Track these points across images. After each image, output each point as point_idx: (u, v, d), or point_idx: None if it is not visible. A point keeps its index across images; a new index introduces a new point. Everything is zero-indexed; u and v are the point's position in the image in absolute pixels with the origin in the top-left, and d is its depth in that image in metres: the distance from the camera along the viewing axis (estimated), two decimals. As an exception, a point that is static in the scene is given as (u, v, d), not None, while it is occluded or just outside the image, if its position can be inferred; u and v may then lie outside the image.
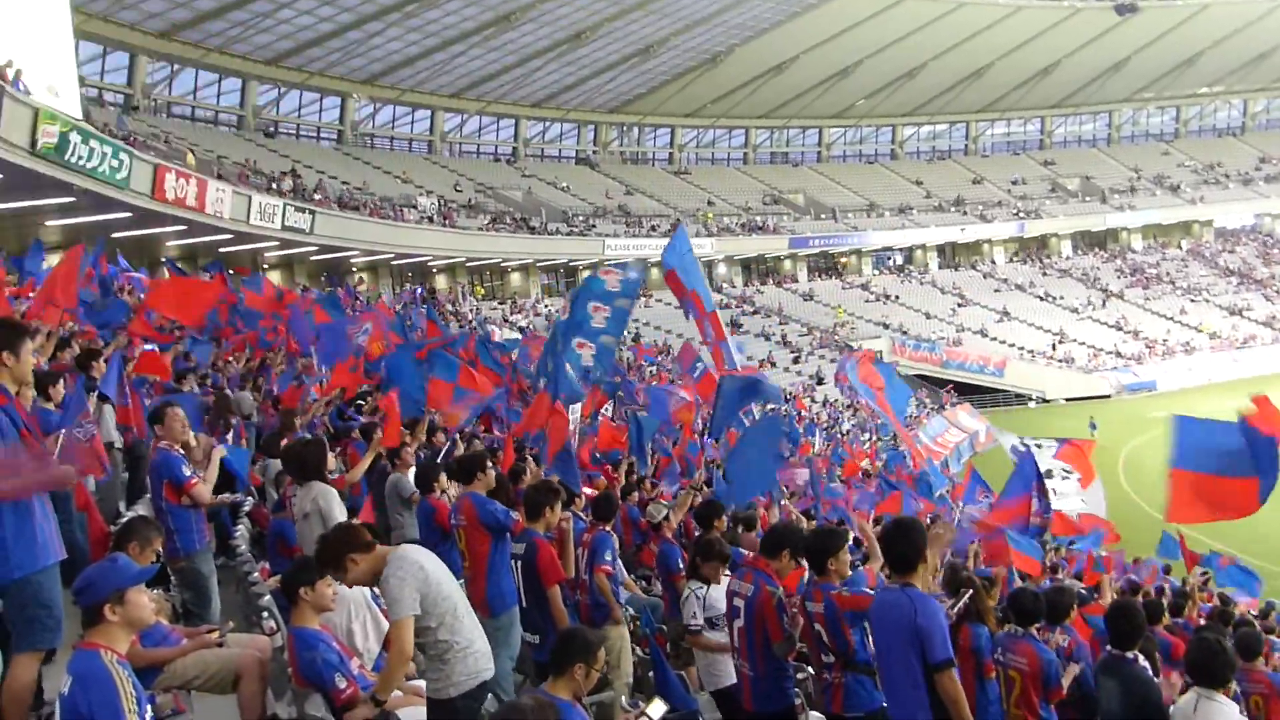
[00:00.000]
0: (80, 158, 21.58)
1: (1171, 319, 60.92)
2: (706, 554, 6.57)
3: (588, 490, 10.13)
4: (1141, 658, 5.96)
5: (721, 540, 7.05)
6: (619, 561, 8.16)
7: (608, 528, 7.86)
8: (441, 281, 52.07)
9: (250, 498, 10.24)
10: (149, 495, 7.83)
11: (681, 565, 7.91)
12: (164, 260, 31.18)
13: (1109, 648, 5.93)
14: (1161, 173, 75.01)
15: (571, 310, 11.19)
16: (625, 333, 14.30)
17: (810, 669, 6.77)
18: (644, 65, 60.05)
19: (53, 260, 18.90)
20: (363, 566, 4.81)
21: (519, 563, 6.84)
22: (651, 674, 6.82)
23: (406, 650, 4.73)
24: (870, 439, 40.54)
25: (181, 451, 7.16)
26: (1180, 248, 71.93)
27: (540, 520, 6.89)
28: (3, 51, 20.84)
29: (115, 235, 24.87)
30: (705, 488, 12.52)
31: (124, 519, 7.49)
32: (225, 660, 5.19)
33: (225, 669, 5.18)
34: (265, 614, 6.24)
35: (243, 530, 8.84)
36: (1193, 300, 63.26)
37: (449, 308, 45.37)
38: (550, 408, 10.00)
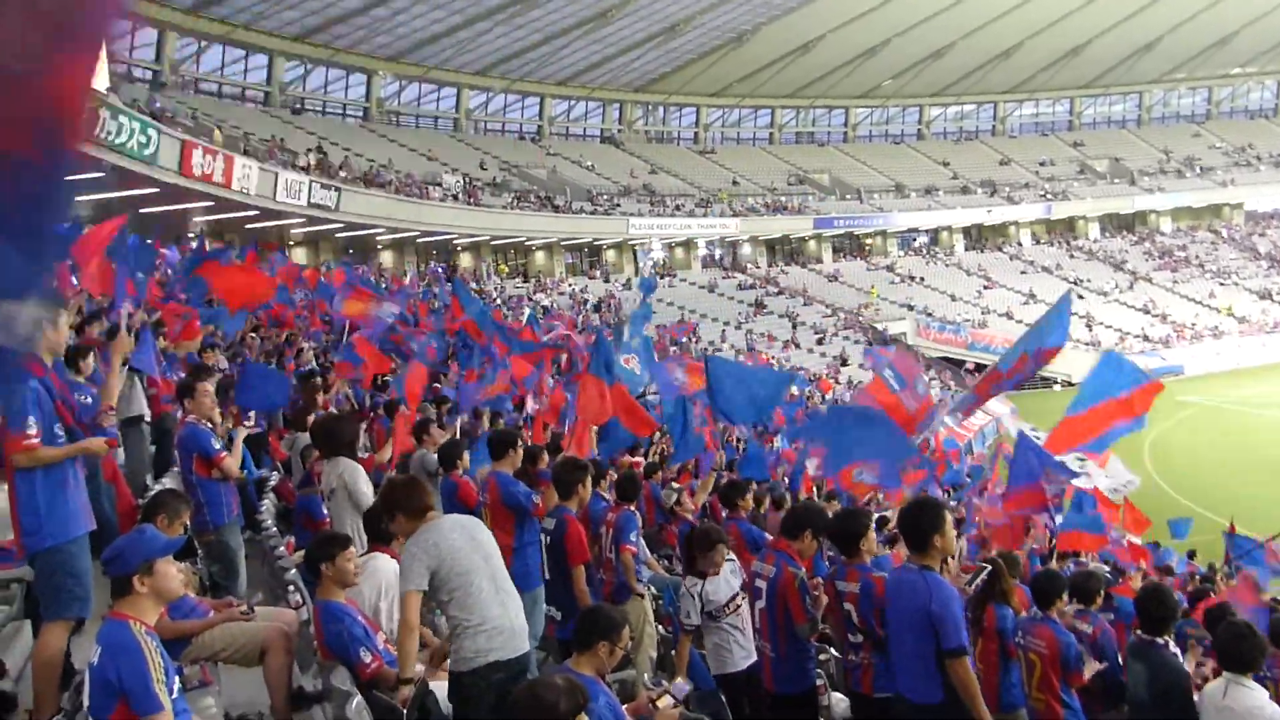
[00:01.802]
0: (109, 133, 21.75)
1: (1200, 303, 60.30)
2: (701, 545, 6.49)
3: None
4: (1172, 643, 5.92)
5: (715, 528, 7.01)
6: (642, 541, 8.17)
7: (632, 507, 7.87)
8: (466, 260, 52.15)
9: (276, 472, 10.33)
10: (176, 468, 7.89)
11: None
12: (193, 234, 31.36)
13: (1139, 632, 5.89)
14: (1192, 154, 74.06)
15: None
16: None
17: (833, 650, 6.77)
18: (669, 44, 59.77)
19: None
20: (404, 527, 4.91)
21: (547, 538, 6.87)
22: (673, 652, 6.84)
23: (411, 621, 4.79)
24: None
25: (210, 426, 7.21)
26: (1211, 230, 71.10)
27: (574, 498, 6.93)
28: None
29: (143, 210, 25.00)
30: (728, 471, 12.52)
31: (152, 492, 7.57)
32: (252, 633, 5.22)
33: (252, 642, 5.21)
34: (291, 588, 6.29)
35: (269, 504, 8.91)
36: (1222, 284, 62.53)
37: (473, 285, 45.46)
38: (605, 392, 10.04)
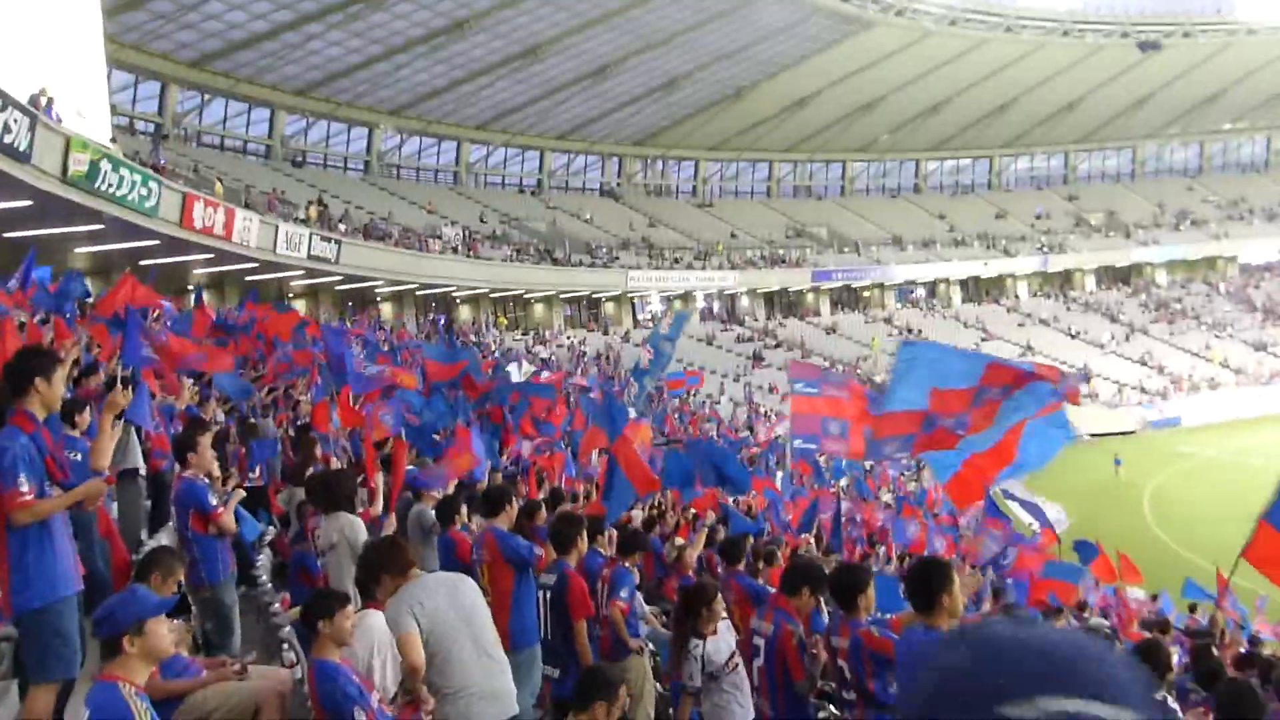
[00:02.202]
0: (110, 185, 21.84)
1: (1196, 354, 60.46)
2: (700, 601, 6.31)
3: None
4: (1170, 699, 5.86)
5: (705, 586, 6.92)
6: (638, 596, 8.08)
7: (627, 563, 7.78)
8: (465, 312, 52.29)
9: (273, 527, 10.25)
10: (172, 523, 7.84)
11: None
12: (191, 288, 31.46)
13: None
14: (1185, 208, 74.72)
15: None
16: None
17: (832, 707, 6.69)
18: (668, 98, 60.39)
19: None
20: (389, 588, 4.91)
21: (548, 593, 6.80)
22: (672, 710, 6.75)
23: (417, 660, 4.76)
24: (897, 471, 40.18)
25: (206, 480, 7.17)
26: (1206, 283, 71.49)
27: (572, 552, 6.87)
28: (37, 79, 21.14)
29: (143, 263, 25.09)
30: (721, 525, 12.44)
31: (146, 547, 7.51)
32: (246, 692, 5.16)
33: (245, 701, 5.14)
34: (285, 645, 6.22)
35: (264, 560, 8.83)
36: (1217, 336, 62.77)
37: (473, 338, 45.52)
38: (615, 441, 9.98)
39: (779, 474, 18.76)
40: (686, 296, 60.64)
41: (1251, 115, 75.84)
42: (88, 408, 7.82)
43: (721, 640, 6.26)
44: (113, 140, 26.97)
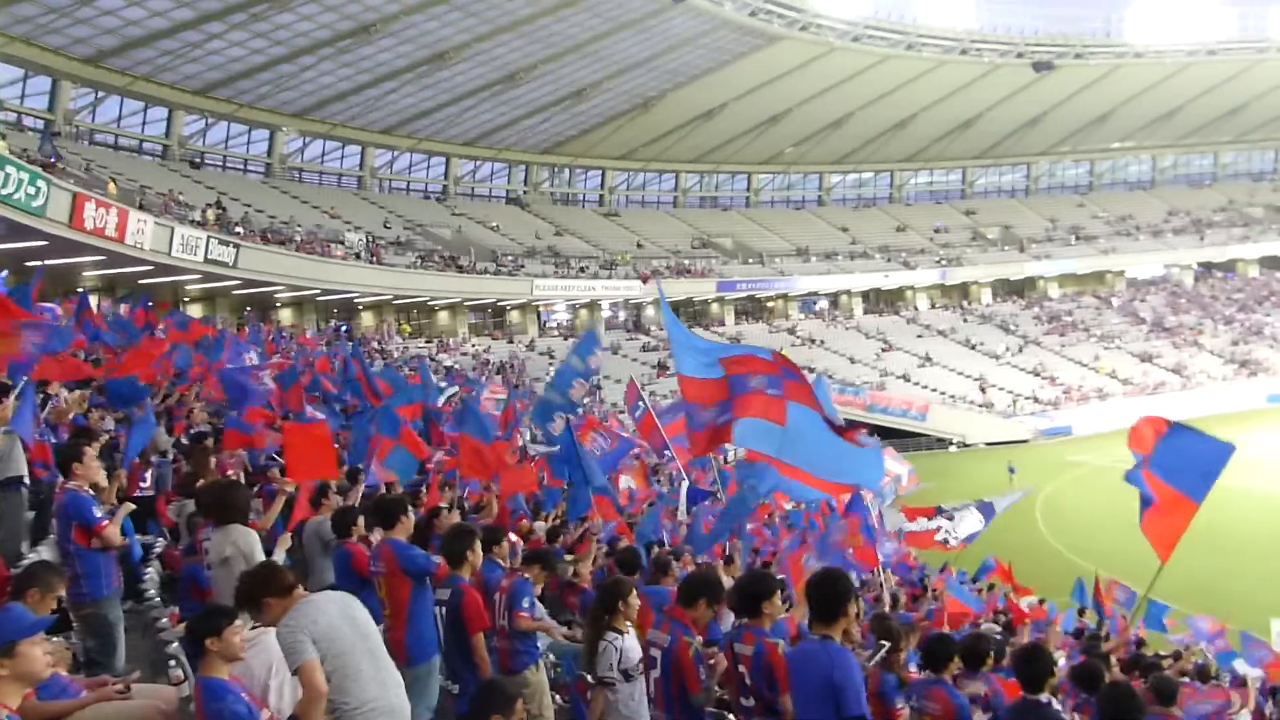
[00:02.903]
0: (-5, 184, 21.09)
1: (1086, 365, 62.40)
2: (614, 597, 6.42)
3: (513, 536, 9.98)
4: (1055, 701, 6.00)
5: (620, 581, 6.92)
6: (538, 606, 8.02)
7: (526, 573, 7.71)
8: (368, 318, 51.58)
9: (162, 539, 9.96)
10: (53, 536, 7.57)
11: None
12: (79, 290, 30.46)
13: (1023, 693, 5.97)
14: (1077, 224, 77.45)
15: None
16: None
17: (731, 716, 6.71)
18: (577, 107, 60.41)
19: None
20: (277, 611, 4.77)
21: (444, 609, 6.72)
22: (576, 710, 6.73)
23: (320, 687, 4.63)
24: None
25: (91, 492, 6.94)
26: (1095, 296, 73.97)
27: (465, 565, 6.79)
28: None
29: (29, 264, 24.23)
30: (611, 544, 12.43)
31: (27, 560, 7.24)
32: (128, 713, 5.00)
33: (128, 721, 4.99)
34: (172, 662, 6.05)
35: (152, 574, 8.58)
36: (1106, 348, 64.86)
37: (375, 345, 44.91)
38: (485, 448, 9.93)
39: (683, 484, 18.77)
40: (592, 305, 60.69)
41: (1138, 135, 78.94)
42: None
43: (634, 641, 6.25)
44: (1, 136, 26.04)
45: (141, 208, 31.81)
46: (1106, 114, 73.61)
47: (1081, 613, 18.30)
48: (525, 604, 7.27)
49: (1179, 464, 8.31)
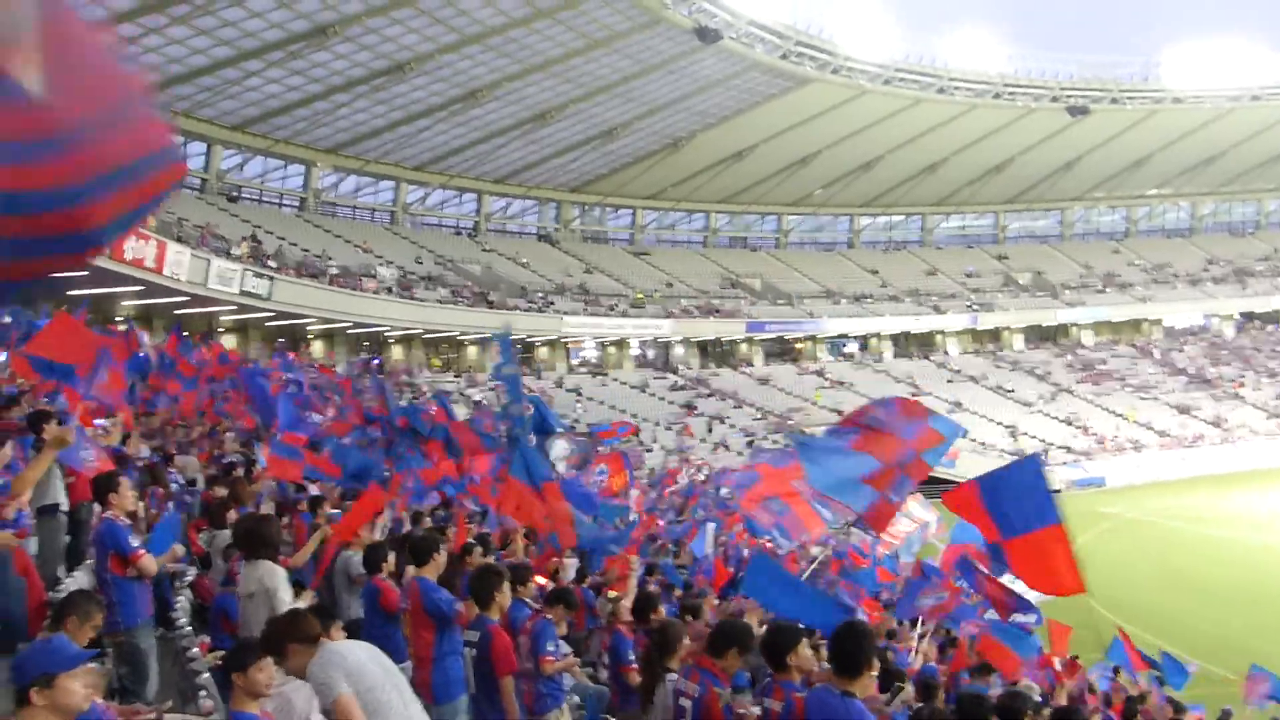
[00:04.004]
0: (37, 215, 21.39)
1: (1120, 416, 61.73)
2: (668, 646, 6.30)
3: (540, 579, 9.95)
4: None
5: (674, 624, 6.92)
6: (561, 648, 7.97)
7: (549, 615, 7.66)
8: (398, 352, 51.87)
9: (193, 568, 10.00)
10: (90, 563, 7.63)
11: (633, 658, 7.70)
12: (120, 320, 30.86)
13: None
14: (1112, 270, 76.61)
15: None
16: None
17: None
18: (607, 146, 60.81)
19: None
20: (302, 659, 4.81)
21: (473, 650, 6.70)
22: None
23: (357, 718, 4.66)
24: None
25: (128, 521, 7.00)
26: (1131, 345, 73.21)
27: (493, 606, 6.78)
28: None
29: (71, 293, 24.54)
30: (649, 574, 12.37)
31: (64, 586, 7.30)
32: (160, 743, 5.02)
33: (159, 752, 5.01)
34: (203, 692, 6.06)
35: (184, 602, 8.62)
36: (1142, 398, 64.17)
37: (404, 378, 45.14)
38: (535, 493, 9.85)
39: (709, 526, 18.66)
40: (621, 343, 60.79)
41: (1175, 182, 78.16)
42: (8, 441, 7.62)
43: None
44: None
45: (179, 240, 32.28)
46: (1143, 159, 72.95)
47: (1116, 672, 17.84)
48: (550, 647, 7.25)
49: (1011, 506, 7.64)
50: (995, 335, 72.72)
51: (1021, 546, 7.61)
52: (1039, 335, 73.72)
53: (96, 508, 7.51)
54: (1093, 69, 65.77)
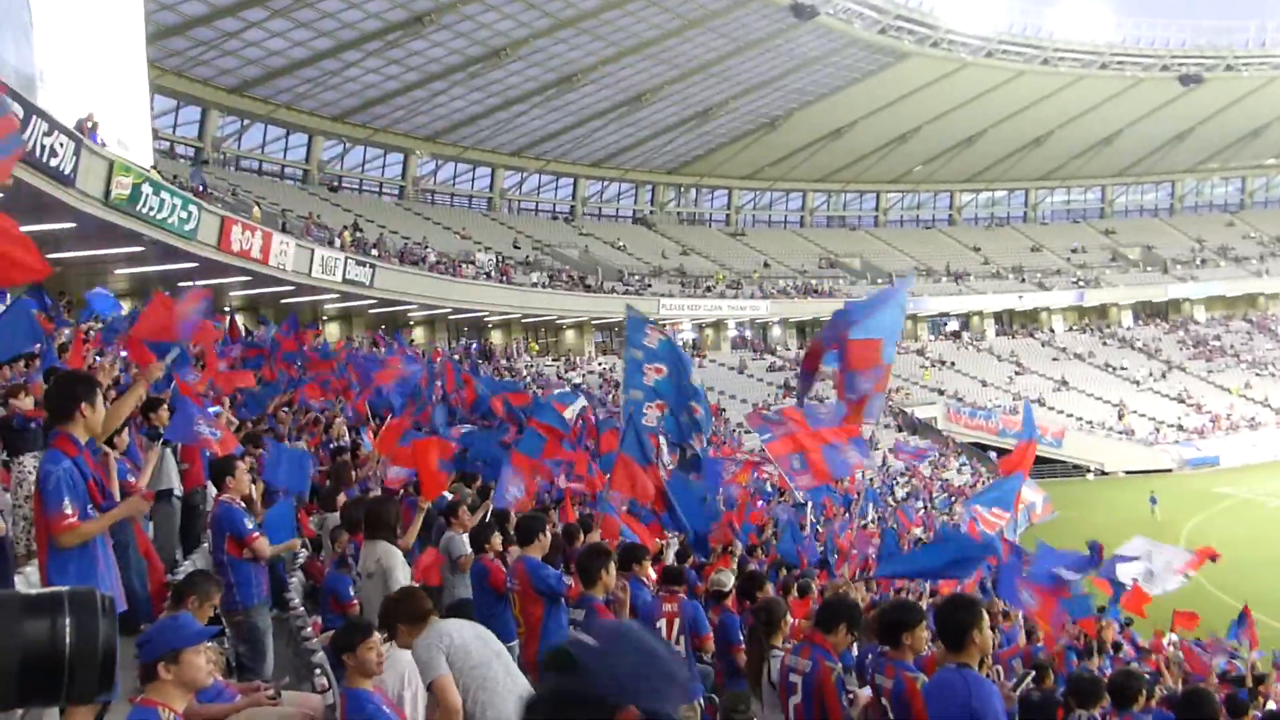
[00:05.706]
0: (151, 209, 22.11)
1: (1236, 392, 59.61)
2: (774, 623, 6.40)
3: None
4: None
5: (778, 602, 6.89)
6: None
7: (684, 594, 7.79)
8: (497, 337, 52.46)
9: (305, 550, 10.26)
10: (206, 545, 7.86)
11: (741, 637, 7.70)
12: (227, 309, 31.74)
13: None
14: (1225, 244, 73.87)
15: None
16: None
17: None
18: (702, 127, 60.59)
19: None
20: (411, 634, 4.95)
21: (577, 628, 6.75)
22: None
23: (454, 703, 4.81)
24: (924, 506, 39.90)
25: (243, 505, 7.19)
26: (1246, 320, 70.58)
27: (598, 585, 6.80)
28: (83, 105, 21.47)
29: (181, 284, 25.34)
30: (750, 554, 12.31)
31: (181, 568, 7.53)
32: (279, 718, 5.15)
33: (278, 727, 5.14)
34: (318, 670, 6.20)
35: (296, 583, 8.84)
36: (1258, 374, 61.88)
37: (504, 363, 45.66)
38: (642, 470, 9.84)
39: (809, 506, 18.56)
40: (719, 325, 60.62)
41: (1294, 151, 75.02)
42: (126, 429, 7.87)
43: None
44: (154, 166, 27.32)
45: (284, 230, 33.06)
46: (1260, 129, 70.05)
47: (1233, 656, 17.30)
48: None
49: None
50: (1103, 312, 70.64)
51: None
52: (1148, 311, 71.43)
53: (212, 491, 7.74)
54: (1205, 35, 63.47)
